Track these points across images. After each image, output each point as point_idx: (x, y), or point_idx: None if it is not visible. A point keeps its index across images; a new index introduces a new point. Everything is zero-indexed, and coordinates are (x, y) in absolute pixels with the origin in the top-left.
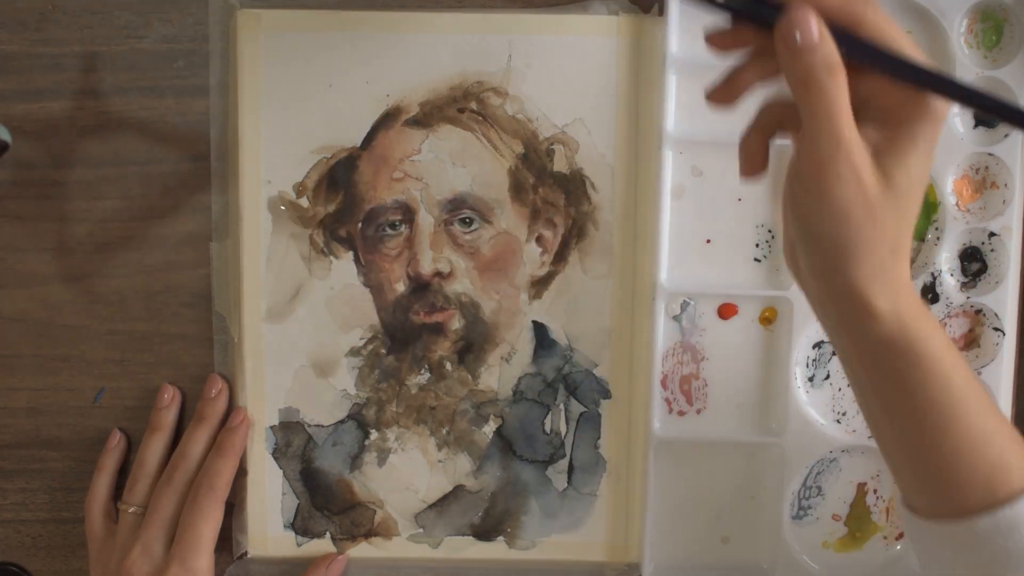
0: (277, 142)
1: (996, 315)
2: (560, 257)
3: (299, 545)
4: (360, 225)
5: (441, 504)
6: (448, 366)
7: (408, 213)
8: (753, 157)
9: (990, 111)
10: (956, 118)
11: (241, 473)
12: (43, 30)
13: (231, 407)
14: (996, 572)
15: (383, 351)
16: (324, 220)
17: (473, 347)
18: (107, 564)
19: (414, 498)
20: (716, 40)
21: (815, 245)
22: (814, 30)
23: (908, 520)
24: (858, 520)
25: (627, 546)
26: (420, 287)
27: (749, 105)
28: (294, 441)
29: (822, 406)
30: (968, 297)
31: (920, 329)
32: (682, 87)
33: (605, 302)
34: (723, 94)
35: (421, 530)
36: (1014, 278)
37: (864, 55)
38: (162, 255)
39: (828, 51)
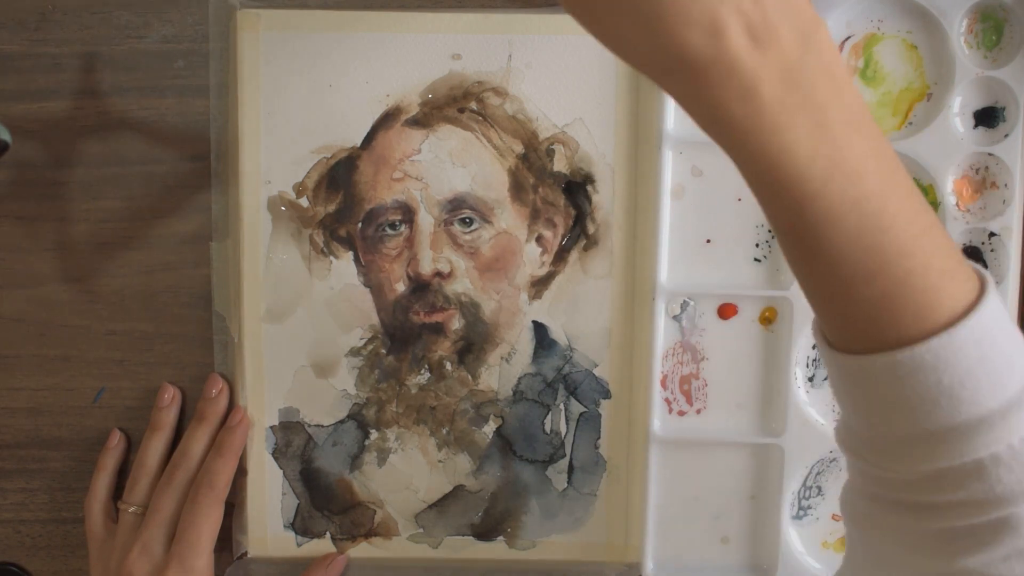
0: (277, 142)
1: None
2: (560, 257)
3: (299, 545)
4: (360, 225)
5: (441, 504)
6: (448, 366)
7: (408, 213)
8: None
9: None
10: (956, 118)
11: (241, 473)
12: (43, 30)
13: (231, 407)
14: (924, 404)
15: (383, 351)
16: (324, 220)
17: (473, 347)
18: (107, 564)
19: (414, 498)
20: None
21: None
22: None
23: (823, 351)
24: None
25: (627, 546)
26: (420, 287)
27: None
28: (294, 441)
29: (822, 406)
30: None
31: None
32: None
33: (605, 302)
34: None
35: (421, 530)
36: (1014, 278)
37: None
38: (162, 255)
39: None
